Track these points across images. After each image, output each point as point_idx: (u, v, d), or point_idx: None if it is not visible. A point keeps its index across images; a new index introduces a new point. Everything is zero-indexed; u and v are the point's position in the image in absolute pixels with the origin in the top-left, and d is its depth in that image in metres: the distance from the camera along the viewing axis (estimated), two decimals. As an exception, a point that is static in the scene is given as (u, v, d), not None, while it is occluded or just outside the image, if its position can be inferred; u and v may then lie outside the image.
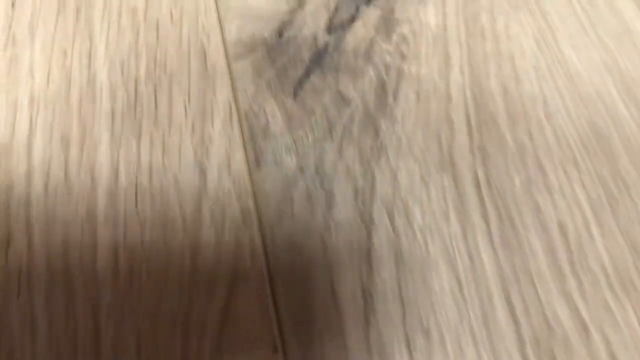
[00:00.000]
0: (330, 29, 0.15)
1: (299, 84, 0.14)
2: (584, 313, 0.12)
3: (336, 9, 0.15)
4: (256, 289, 0.12)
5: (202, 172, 0.13)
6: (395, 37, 0.15)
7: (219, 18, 0.15)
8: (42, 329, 0.11)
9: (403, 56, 0.15)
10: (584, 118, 0.14)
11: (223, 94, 0.14)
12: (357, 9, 0.15)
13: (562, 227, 0.13)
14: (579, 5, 0.16)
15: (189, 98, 0.14)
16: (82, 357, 0.11)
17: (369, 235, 0.13)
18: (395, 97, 0.14)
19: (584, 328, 0.12)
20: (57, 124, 0.14)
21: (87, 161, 0.13)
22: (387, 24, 0.15)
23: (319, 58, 0.15)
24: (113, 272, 0.12)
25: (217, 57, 0.14)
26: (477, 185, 0.13)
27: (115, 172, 0.13)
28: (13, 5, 0.15)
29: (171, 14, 0.15)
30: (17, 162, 0.13)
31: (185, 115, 0.14)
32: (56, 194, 0.13)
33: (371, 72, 0.15)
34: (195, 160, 0.13)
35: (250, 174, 0.13)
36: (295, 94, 0.14)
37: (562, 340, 0.12)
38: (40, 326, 0.11)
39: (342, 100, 0.14)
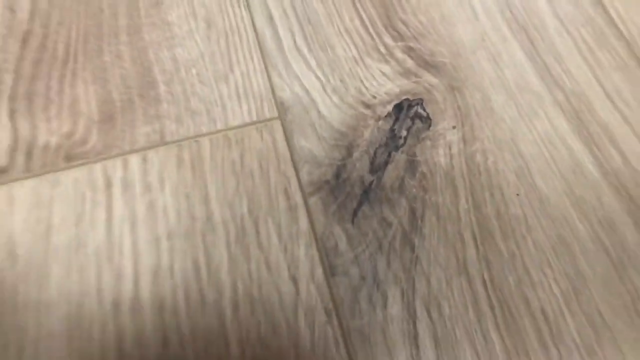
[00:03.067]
0: (372, 171, 0.21)
1: (354, 213, 0.20)
2: (563, 373, 0.18)
3: (375, 156, 0.21)
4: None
5: (295, 283, 0.19)
6: (418, 175, 0.21)
7: (294, 167, 0.21)
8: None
9: (425, 189, 0.21)
10: (553, 231, 0.20)
11: (304, 223, 0.20)
12: (390, 154, 0.22)
13: (544, 313, 0.19)
14: (544, 146, 0.22)
15: (280, 228, 0.20)
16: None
17: (415, 325, 0.18)
18: (422, 220, 0.20)
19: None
20: (189, 252, 0.19)
21: (213, 280, 0.19)
22: (412, 165, 0.21)
23: (367, 193, 0.21)
24: None
25: (296, 195, 0.20)
26: (484, 285, 0.19)
27: (234, 287, 0.19)
28: (144, 159, 0.21)
29: (260, 165, 0.21)
30: (163, 282, 0.19)
31: (279, 241, 0.20)
32: (194, 305, 0.18)
33: (404, 202, 0.21)
34: (289, 275, 0.19)
35: (328, 283, 0.19)
36: (352, 221, 0.20)
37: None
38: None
39: (386, 224, 0.20)
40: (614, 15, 0.25)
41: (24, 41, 0.24)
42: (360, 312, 0.18)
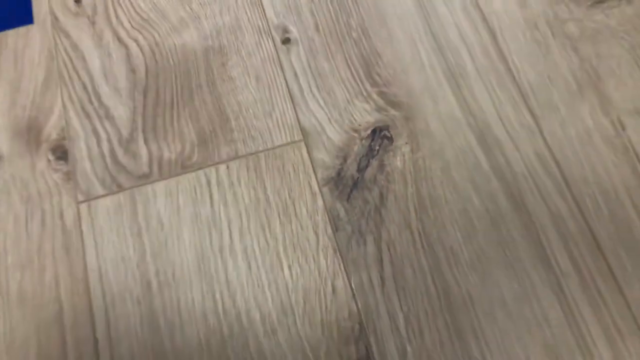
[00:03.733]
0: (358, 170, 0.36)
1: (348, 196, 0.36)
2: None
3: (360, 162, 0.37)
4: None
5: (316, 234, 0.34)
6: (384, 173, 0.36)
7: (313, 170, 0.36)
8: None
9: (388, 181, 0.36)
10: (459, 203, 0.36)
11: (320, 202, 0.35)
12: (368, 161, 0.37)
13: (452, 249, 0.34)
14: (461, 154, 0.37)
15: (307, 204, 0.35)
16: None
17: (381, 256, 0.34)
18: (386, 199, 0.36)
19: None
20: (256, 219, 0.35)
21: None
22: (381, 167, 0.37)
23: (355, 184, 0.36)
24: None
25: (315, 186, 0.36)
26: (420, 235, 0.35)
27: (285, 234, 0.34)
28: (227, 167, 0.36)
29: (294, 168, 0.36)
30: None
31: (307, 212, 0.35)
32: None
33: (376, 189, 0.36)
34: (313, 230, 0.34)
35: (334, 235, 0.34)
36: (347, 200, 0.36)
37: None
38: None
39: (366, 201, 0.36)
40: (512, 67, 0.40)
41: (144, 93, 0.39)
42: (351, 250, 0.34)
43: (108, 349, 0.32)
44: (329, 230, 0.35)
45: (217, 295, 0.33)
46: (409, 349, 0.32)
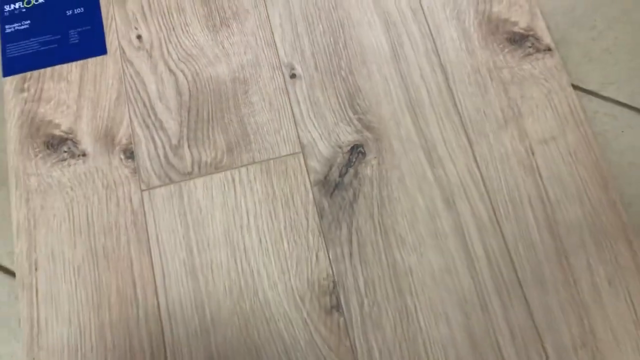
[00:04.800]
0: (340, 176, 0.51)
1: (331, 194, 0.51)
2: None
3: (341, 170, 0.51)
4: None
5: (307, 221, 0.49)
6: (358, 178, 0.51)
7: (307, 174, 0.51)
8: None
9: (360, 185, 0.51)
10: (410, 202, 0.51)
11: (310, 197, 0.50)
12: (347, 169, 0.51)
13: (401, 237, 0.49)
14: (412, 168, 0.52)
15: (301, 200, 0.50)
16: None
17: (351, 237, 0.49)
18: (357, 197, 0.50)
19: None
20: (266, 206, 0.50)
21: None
22: (356, 174, 0.51)
23: (337, 186, 0.51)
24: None
25: (308, 186, 0.51)
26: (379, 221, 0.50)
27: (285, 225, 0.50)
28: (247, 170, 0.51)
29: (294, 173, 0.51)
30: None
31: (301, 204, 0.50)
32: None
33: (351, 190, 0.51)
34: (305, 218, 0.50)
35: (320, 222, 0.49)
36: (331, 196, 0.50)
37: None
38: None
39: (343, 199, 0.50)
40: (457, 102, 0.53)
41: (188, 111, 0.54)
42: (331, 232, 0.49)
43: (164, 290, 0.48)
44: (316, 218, 0.50)
45: (237, 259, 0.49)
46: (365, 301, 0.48)
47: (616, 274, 0.48)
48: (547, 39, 0.55)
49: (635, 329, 0.46)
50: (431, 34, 0.56)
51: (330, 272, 0.48)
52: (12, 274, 0.50)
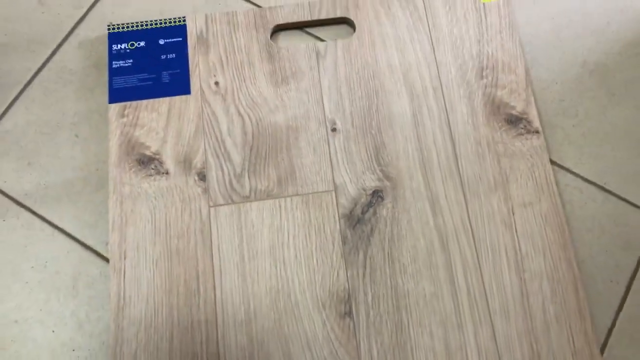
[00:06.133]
0: (362, 213, 0.66)
1: (354, 226, 0.66)
2: None
3: (363, 208, 0.66)
4: None
5: (334, 245, 0.65)
6: (376, 217, 0.66)
7: (337, 208, 0.66)
8: None
9: (377, 222, 0.66)
10: (415, 238, 0.66)
11: (337, 227, 0.65)
12: (368, 209, 0.67)
13: (406, 262, 0.64)
14: (418, 211, 0.67)
15: (331, 228, 0.65)
16: None
17: (365, 259, 0.64)
18: (373, 232, 0.65)
19: None
20: (302, 221, 0.65)
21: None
22: (375, 213, 0.66)
23: (359, 221, 0.66)
24: None
25: (337, 217, 0.66)
26: (389, 252, 0.65)
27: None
28: (292, 200, 0.67)
29: (327, 206, 0.66)
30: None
31: (331, 233, 0.65)
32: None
33: (369, 225, 0.66)
34: (332, 244, 0.65)
35: (342, 247, 0.65)
36: (353, 228, 0.66)
37: None
38: None
39: (363, 231, 0.65)
40: (460, 166, 0.68)
41: (251, 148, 0.69)
42: (350, 257, 0.64)
43: (220, 285, 0.63)
44: (340, 244, 0.65)
45: (277, 268, 0.64)
46: (371, 312, 0.63)
47: (562, 314, 0.62)
48: (536, 123, 0.70)
49: (572, 358, 0.61)
50: (446, 108, 0.71)
51: (347, 286, 0.64)
52: (106, 259, 0.66)
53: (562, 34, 0.77)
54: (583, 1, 0.79)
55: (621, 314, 0.64)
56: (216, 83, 0.72)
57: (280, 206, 0.67)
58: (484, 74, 0.72)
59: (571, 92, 0.74)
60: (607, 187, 0.69)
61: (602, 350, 0.63)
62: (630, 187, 0.69)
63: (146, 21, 0.75)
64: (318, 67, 0.73)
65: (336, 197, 0.67)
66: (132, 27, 0.74)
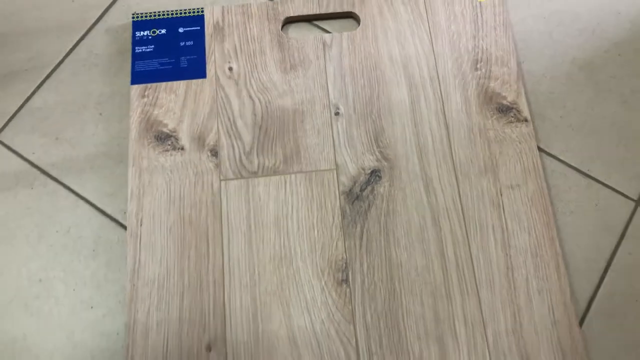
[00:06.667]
0: (360, 190, 0.72)
1: (353, 202, 0.71)
2: None
3: (362, 186, 0.72)
4: None
5: (334, 219, 0.70)
6: (373, 194, 0.72)
7: (337, 185, 0.72)
8: None
9: (375, 198, 0.71)
10: (409, 216, 0.71)
11: (337, 203, 0.71)
12: (367, 186, 0.72)
13: (399, 243, 0.70)
14: (415, 188, 0.72)
15: (332, 203, 0.71)
16: None
17: (362, 230, 0.69)
18: (370, 208, 0.71)
19: None
20: (305, 201, 0.71)
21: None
22: (372, 190, 0.72)
23: (357, 197, 0.71)
24: None
25: (337, 194, 0.71)
26: (385, 225, 0.70)
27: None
28: (296, 176, 0.72)
29: (329, 183, 0.72)
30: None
31: (332, 207, 0.71)
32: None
33: (367, 202, 0.71)
34: (332, 218, 0.70)
35: (342, 222, 0.70)
36: (352, 204, 0.71)
37: None
38: None
39: (361, 207, 0.71)
40: (453, 150, 0.74)
41: (259, 129, 0.75)
42: (348, 230, 0.70)
43: (228, 251, 0.69)
44: (339, 217, 0.70)
45: (281, 237, 0.70)
46: (366, 280, 0.68)
47: (544, 287, 0.67)
48: (525, 112, 0.76)
49: (552, 327, 0.66)
50: (442, 97, 0.76)
51: (345, 256, 0.69)
52: (123, 226, 0.72)
53: (554, 33, 0.82)
54: (574, 3, 0.84)
55: (600, 290, 0.69)
56: (230, 69, 0.78)
57: (285, 182, 0.72)
58: (478, 66, 0.78)
59: (560, 86, 0.79)
60: (590, 173, 0.74)
61: (580, 323, 0.67)
62: (611, 174, 0.74)
63: (168, 11, 0.81)
64: (324, 57, 0.78)
65: (337, 175, 0.73)
66: (155, 15, 0.81)
